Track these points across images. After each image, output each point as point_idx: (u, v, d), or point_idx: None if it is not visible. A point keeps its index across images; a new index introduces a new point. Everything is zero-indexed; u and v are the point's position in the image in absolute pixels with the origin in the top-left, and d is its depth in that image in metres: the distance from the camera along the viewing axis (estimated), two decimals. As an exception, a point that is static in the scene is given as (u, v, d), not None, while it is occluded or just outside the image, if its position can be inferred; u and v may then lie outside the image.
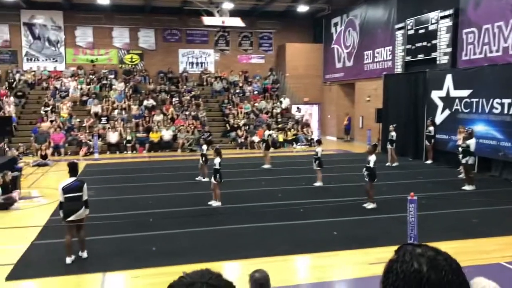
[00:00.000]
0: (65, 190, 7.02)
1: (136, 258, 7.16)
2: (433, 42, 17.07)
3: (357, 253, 7.40)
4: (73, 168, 7.33)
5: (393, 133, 16.32)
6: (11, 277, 6.49)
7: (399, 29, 19.21)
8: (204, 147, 13.62)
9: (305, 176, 13.61)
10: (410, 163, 16.71)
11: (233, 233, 8.43)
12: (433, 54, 17.09)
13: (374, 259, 6.89)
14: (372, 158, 10.04)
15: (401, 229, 7.68)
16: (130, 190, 12.34)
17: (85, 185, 7.21)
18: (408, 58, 18.74)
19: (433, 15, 17.00)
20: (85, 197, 7.16)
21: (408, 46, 18.65)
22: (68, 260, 6.92)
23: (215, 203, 10.51)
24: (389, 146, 16.48)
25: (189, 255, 7.23)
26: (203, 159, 13.19)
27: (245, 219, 9.30)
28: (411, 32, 18.44)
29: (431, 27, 17.22)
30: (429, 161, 16.50)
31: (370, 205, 10.10)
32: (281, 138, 22.52)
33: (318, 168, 12.55)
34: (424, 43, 17.65)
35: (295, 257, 7.43)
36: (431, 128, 16.29)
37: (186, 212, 9.93)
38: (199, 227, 8.75)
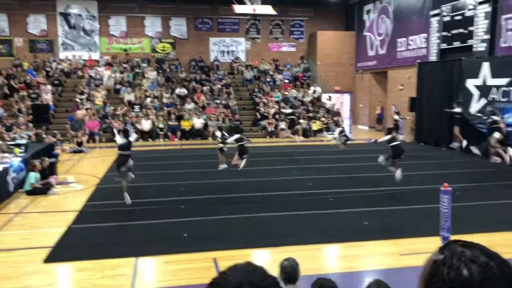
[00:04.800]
0: (119, 147, 9.75)
1: (168, 244, 7.31)
2: (470, 28, 16.54)
3: (387, 244, 7.33)
4: (125, 132, 10.15)
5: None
6: (49, 259, 6.73)
7: (435, 15, 18.70)
8: (218, 133, 13.61)
9: (335, 165, 13.52)
10: (444, 153, 16.35)
11: (263, 221, 8.48)
12: (470, 41, 16.58)
13: (405, 250, 6.81)
14: (386, 137, 10.68)
15: (433, 220, 7.55)
16: (162, 177, 12.56)
17: (132, 142, 9.93)
18: (444, 46, 18.24)
19: (471, 0, 16.44)
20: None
21: (444, 33, 18.15)
22: (129, 200, 9.39)
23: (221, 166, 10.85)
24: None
25: (219, 242, 7.32)
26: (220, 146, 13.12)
27: (275, 208, 9.33)
28: (447, 18, 17.91)
29: (468, 13, 16.68)
30: (456, 144, 15.92)
31: (381, 157, 10.84)
32: (315, 126, 22.44)
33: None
34: (461, 30, 17.12)
35: (325, 246, 7.42)
36: (458, 110, 15.66)
37: (217, 200, 10.04)
38: (230, 215, 8.84)
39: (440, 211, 6.85)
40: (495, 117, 12.63)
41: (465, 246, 1.07)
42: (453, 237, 6.59)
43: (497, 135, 11.82)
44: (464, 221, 8.02)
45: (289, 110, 17.80)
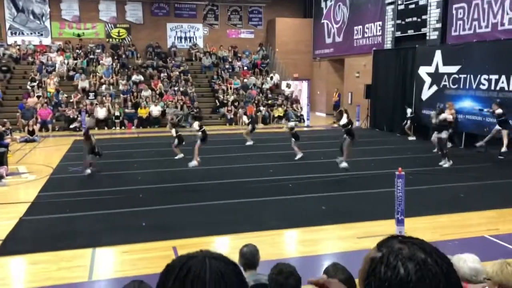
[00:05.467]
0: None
1: (126, 234, 7.19)
2: (423, 17, 17.00)
3: (345, 227, 7.50)
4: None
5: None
6: None
7: (390, 3, 19.06)
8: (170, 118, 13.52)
9: (294, 152, 13.64)
10: (398, 139, 16.84)
11: (223, 209, 8.48)
12: (423, 30, 17.04)
13: (362, 233, 7.00)
14: (343, 121, 10.67)
15: (388, 204, 7.79)
16: (119, 166, 12.30)
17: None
18: (398, 34, 18.67)
19: (424, -11, 16.88)
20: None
21: (398, 21, 18.56)
22: (88, 170, 10.87)
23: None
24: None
25: (179, 231, 7.27)
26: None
27: (235, 195, 9.35)
28: (402, 7, 18.32)
29: (421, 2, 17.12)
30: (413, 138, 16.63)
31: (343, 164, 10.64)
32: (277, 113, 22.57)
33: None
34: (414, 19, 17.57)
35: (285, 231, 7.52)
36: (409, 110, 16.58)
37: (176, 188, 9.96)
38: (189, 203, 8.78)
39: (395, 194, 7.06)
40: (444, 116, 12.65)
41: (403, 242, 1.02)
42: (406, 220, 6.85)
43: (444, 134, 12.09)
44: (416, 204, 8.31)
45: (247, 120, 17.81)
